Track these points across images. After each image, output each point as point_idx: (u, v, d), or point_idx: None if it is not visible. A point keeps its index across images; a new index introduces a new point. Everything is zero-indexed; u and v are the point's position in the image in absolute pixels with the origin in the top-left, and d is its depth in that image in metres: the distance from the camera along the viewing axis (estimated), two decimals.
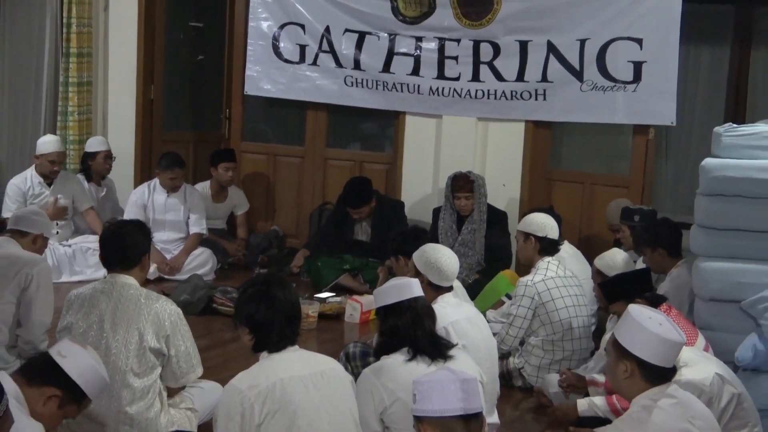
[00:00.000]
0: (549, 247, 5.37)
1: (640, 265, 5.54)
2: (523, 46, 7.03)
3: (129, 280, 4.11)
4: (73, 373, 3.27)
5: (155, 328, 4.00)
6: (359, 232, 7.37)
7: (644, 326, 3.15)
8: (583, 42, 6.84)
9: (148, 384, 3.99)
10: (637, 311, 3.25)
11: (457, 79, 7.27)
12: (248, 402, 3.19)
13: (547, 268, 5.27)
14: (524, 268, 6.10)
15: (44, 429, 3.09)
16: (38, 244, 4.95)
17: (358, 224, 7.34)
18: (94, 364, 3.38)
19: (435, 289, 4.40)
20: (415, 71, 7.41)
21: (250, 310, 3.39)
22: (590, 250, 6.36)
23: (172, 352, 4.06)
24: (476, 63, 7.20)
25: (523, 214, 6.22)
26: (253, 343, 3.40)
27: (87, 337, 3.98)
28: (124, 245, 4.15)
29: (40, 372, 3.26)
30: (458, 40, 7.22)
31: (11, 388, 3.11)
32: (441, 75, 7.33)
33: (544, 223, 5.37)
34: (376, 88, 7.58)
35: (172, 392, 4.19)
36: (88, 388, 3.32)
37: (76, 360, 3.31)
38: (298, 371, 3.32)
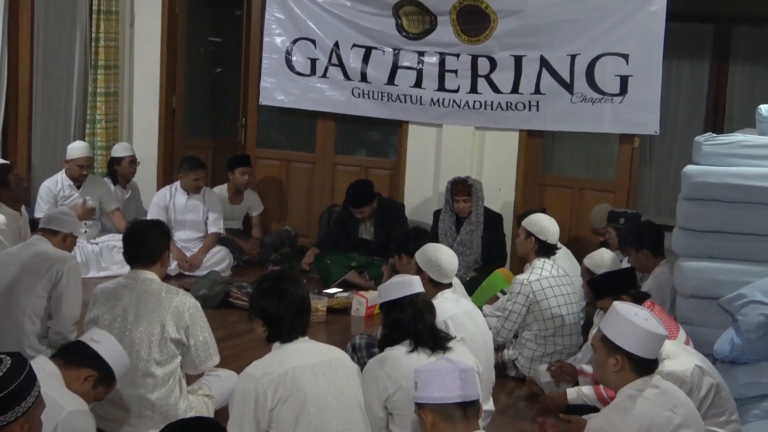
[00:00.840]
0: (546, 250, 5.34)
1: (626, 264, 5.53)
2: (518, 60, 7.02)
3: (150, 276, 4.11)
4: (107, 356, 3.43)
5: (176, 319, 4.00)
6: (363, 231, 7.36)
7: (632, 322, 3.15)
8: (573, 57, 6.83)
9: (168, 372, 3.99)
10: (624, 309, 3.23)
11: (457, 91, 7.26)
12: (262, 388, 3.19)
13: (542, 268, 5.25)
14: (518, 267, 6.10)
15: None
16: (68, 242, 4.94)
17: (362, 224, 7.34)
18: (121, 349, 3.55)
19: (435, 286, 4.39)
20: (418, 83, 7.40)
21: (263, 303, 3.39)
22: (579, 249, 6.35)
23: (191, 342, 4.05)
24: (474, 76, 7.19)
25: (517, 216, 6.20)
26: (267, 334, 3.40)
27: (112, 329, 3.98)
28: (144, 243, 4.15)
29: (77, 355, 3.40)
30: (457, 55, 7.21)
31: (52, 369, 3.26)
32: (441, 87, 7.32)
33: (547, 228, 5.33)
34: (382, 99, 7.57)
35: (190, 379, 4.18)
36: (117, 369, 3.48)
37: (107, 345, 3.48)
38: (308, 360, 3.32)
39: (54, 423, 2.96)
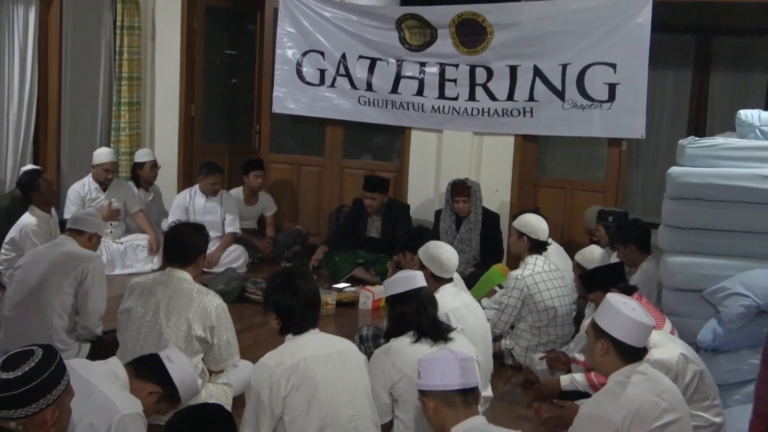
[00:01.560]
0: (538, 247, 5.32)
1: (615, 259, 5.52)
2: (513, 70, 7.01)
3: (184, 275, 4.11)
4: (176, 377, 3.29)
5: (203, 319, 4.00)
6: (371, 229, 7.36)
7: (619, 310, 3.14)
8: (564, 66, 6.81)
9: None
10: (614, 298, 3.23)
11: (456, 98, 7.25)
12: (275, 377, 3.19)
13: (535, 264, 5.25)
14: (514, 263, 6.08)
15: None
16: (93, 241, 4.93)
17: (370, 221, 7.33)
18: (193, 374, 3.40)
19: (437, 280, 4.39)
20: (420, 92, 7.39)
21: (277, 298, 3.38)
22: (571, 245, 6.34)
23: (215, 341, 4.05)
24: (472, 85, 7.18)
25: (513, 215, 6.20)
26: (280, 326, 3.40)
27: (144, 322, 3.98)
28: (183, 244, 4.15)
29: (148, 369, 3.28)
30: (456, 65, 7.20)
31: (123, 375, 3.19)
32: (442, 95, 7.31)
33: (537, 227, 5.33)
34: (386, 107, 7.56)
35: (211, 373, 4.19)
36: (184, 392, 3.33)
37: (180, 366, 3.33)
38: (318, 351, 3.31)
39: (108, 424, 2.93)
